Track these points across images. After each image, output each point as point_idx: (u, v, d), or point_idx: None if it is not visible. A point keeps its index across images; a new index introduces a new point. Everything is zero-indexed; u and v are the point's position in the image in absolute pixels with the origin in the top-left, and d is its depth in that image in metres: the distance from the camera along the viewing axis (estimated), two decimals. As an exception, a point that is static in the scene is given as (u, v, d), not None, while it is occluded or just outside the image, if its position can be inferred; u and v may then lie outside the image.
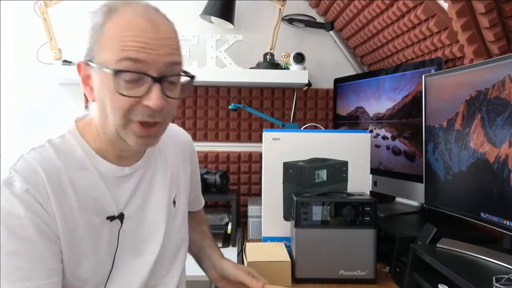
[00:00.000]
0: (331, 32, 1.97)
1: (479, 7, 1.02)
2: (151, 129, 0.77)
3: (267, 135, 1.36)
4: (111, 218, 0.81)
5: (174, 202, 0.95)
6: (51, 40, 1.76)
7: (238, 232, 1.73)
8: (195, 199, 1.15)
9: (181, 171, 0.99)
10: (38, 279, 0.70)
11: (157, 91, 0.73)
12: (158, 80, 0.73)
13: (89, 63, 0.74)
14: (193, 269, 1.42)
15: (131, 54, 0.71)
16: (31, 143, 0.77)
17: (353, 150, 1.35)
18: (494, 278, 0.80)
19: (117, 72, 0.71)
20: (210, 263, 1.06)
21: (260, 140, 1.42)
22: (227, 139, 2.01)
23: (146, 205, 0.88)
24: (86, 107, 0.86)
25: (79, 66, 0.76)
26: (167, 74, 0.74)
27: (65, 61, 1.80)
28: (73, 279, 0.77)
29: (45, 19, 1.74)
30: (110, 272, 0.82)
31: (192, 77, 0.79)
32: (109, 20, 0.73)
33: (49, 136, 0.79)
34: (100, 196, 0.80)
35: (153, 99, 0.72)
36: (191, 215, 1.12)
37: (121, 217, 0.83)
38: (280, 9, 1.82)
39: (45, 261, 0.71)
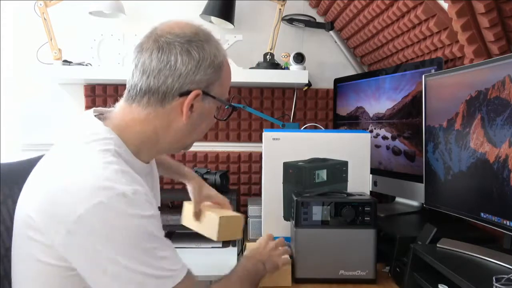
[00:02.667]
0: (331, 32, 1.97)
1: (479, 7, 1.02)
2: None
3: (267, 135, 1.36)
4: None
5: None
6: (51, 40, 1.76)
7: (238, 232, 1.72)
8: None
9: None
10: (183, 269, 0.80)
11: None
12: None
13: (208, 94, 0.84)
14: (194, 270, 1.42)
15: (227, 95, 0.92)
16: (99, 153, 0.77)
17: (353, 150, 1.35)
18: (494, 278, 0.80)
19: (226, 105, 0.90)
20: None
21: (260, 140, 1.42)
22: (227, 139, 2.01)
23: (157, 196, 0.99)
24: (101, 106, 0.89)
25: (198, 95, 0.82)
26: None
27: (65, 61, 1.80)
28: None
29: (45, 19, 1.74)
30: None
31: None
32: (225, 62, 0.87)
33: (105, 145, 0.79)
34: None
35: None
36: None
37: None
38: (280, 9, 1.82)
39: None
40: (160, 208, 0.90)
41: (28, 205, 0.76)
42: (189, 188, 1.17)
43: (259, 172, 1.89)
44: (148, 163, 0.90)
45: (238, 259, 1.58)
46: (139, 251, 0.72)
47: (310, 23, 1.97)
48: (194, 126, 0.87)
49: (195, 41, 0.82)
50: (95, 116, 0.85)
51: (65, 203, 0.71)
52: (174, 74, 0.80)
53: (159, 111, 0.82)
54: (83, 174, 0.73)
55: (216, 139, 2.00)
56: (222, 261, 1.58)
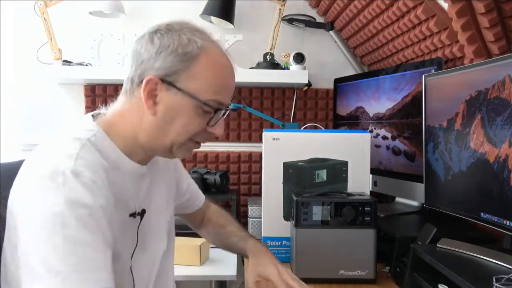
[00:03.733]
0: (331, 32, 1.97)
1: (479, 7, 1.02)
2: (199, 146, 0.88)
3: (267, 135, 1.36)
4: (133, 215, 0.84)
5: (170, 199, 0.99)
6: (51, 40, 1.76)
7: (238, 232, 1.72)
8: (192, 198, 1.16)
9: (167, 170, 1.02)
10: (104, 271, 0.68)
11: (223, 121, 0.86)
12: (225, 112, 0.85)
13: (170, 84, 0.78)
14: (194, 269, 1.42)
15: (222, 98, 0.81)
16: (68, 140, 0.76)
17: (353, 150, 1.35)
18: (494, 278, 0.80)
19: (205, 105, 0.79)
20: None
21: (260, 140, 1.42)
22: (227, 139, 2.01)
23: (155, 201, 0.92)
24: (99, 107, 0.88)
25: (150, 80, 0.77)
26: (229, 107, 0.86)
27: (65, 61, 1.80)
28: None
29: (45, 19, 1.74)
30: (131, 270, 0.83)
31: (230, 104, 0.89)
32: (204, 54, 0.79)
33: (83, 134, 0.78)
34: (127, 193, 0.82)
35: (220, 128, 0.86)
36: (209, 221, 1.20)
37: (142, 213, 0.86)
38: (280, 9, 1.82)
39: (107, 253, 0.71)
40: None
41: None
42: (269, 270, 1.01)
43: (259, 172, 1.89)
44: (145, 165, 0.87)
45: (238, 259, 1.58)
46: (51, 237, 0.66)
47: (310, 23, 1.97)
48: (166, 122, 0.80)
49: (161, 30, 0.79)
50: (93, 115, 0.86)
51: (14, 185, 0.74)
52: (137, 61, 0.79)
53: (133, 102, 0.81)
54: (40, 159, 0.74)
55: (216, 139, 1.99)
56: (222, 261, 1.58)
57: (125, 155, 0.82)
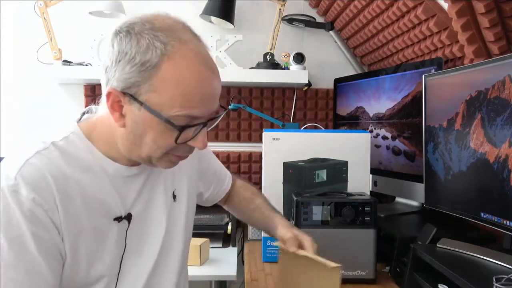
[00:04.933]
0: (331, 32, 1.97)
1: (479, 7, 1.02)
2: (185, 157, 0.80)
3: (267, 135, 1.36)
4: (118, 219, 0.80)
5: (174, 196, 0.93)
6: (51, 40, 1.76)
7: (238, 232, 1.72)
8: (219, 184, 1.13)
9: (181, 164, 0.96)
10: None
11: (204, 133, 0.76)
12: (206, 124, 0.74)
13: (131, 97, 0.70)
14: (194, 269, 1.42)
15: (194, 112, 0.71)
16: (32, 145, 0.74)
17: (353, 150, 1.35)
18: (494, 278, 0.80)
19: (170, 123, 0.70)
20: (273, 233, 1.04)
21: (260, 140, 1.42)
22: (227, 139, 2.01)
23: (150, 203, 0.87)
24: (93, 105, 0.84)
25: (110, 93, 0.71)
26: (213, 116, 0.76)
27: (65, 61, 1.80)
28: (80, 284, 0.76)
29: (45, 19, 1.74)
30: (118, 275, 0.80)
31: (226, 109, 0.80)
32: (167, 61, 0.68)
33: (52, 138, 0.76)
34: (107, 197, 0.78)
35: (201, 141, 0.75)
36: (236, 195, 1.16)
37: (128, 217, 0.82)
38: (280, 9, 1.82)
39: (42, 276, 0.68)
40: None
41: None
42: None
43: (259, 172, 1.89)
44: (134, 165, 0.82)
45: (238, 259, 1.58)
46: None
47: (310, 23, 1.97)
48: (136, 136, 0.73)
49: (121, 32, 0.71)
50: (84, 112, 0.83)
51: None
52: (103, 68, 0.73)
53: (108, 110, 0.75)
54: (1, 165, 0.71)
55: (216, 139, 2.00)
56: (222, 261, 1.58)
57: (108, 158, 0.78)
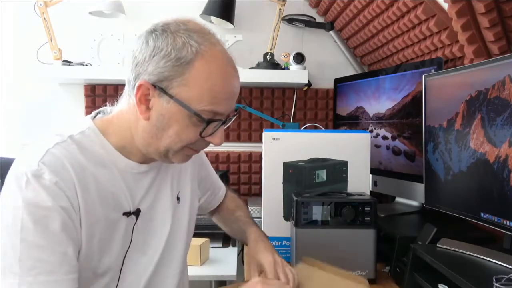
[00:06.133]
0: (331, 32, 1.97)
1: (479, 7, 1.02)
2: (198, 151, 0.85)
3: (267, 135, 1.36)
4: (127, 214, 0.83)
5: (178, 198, 0.96)
6: (51, 40, 1.76)
7: (238, 232, 1.72)
8: (214, 193, 1.17)
9: (182, 169, 0.99)
10: (59, 274, 0.70)
11: (222, 130, 0.82)
12: (225, 121, 0.80)
13: (162, 90, 0.75)
14: (194, 269, 1.42)
15: (218, 108, 0.77)
16: (50, 138, 0.77)
17: (353, 150, 1.35)
18: (494, 278, 0.80)
19: (196, 115, 0.75)
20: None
21: (260, 140, 1.42)
22: (227, 139, 2.01)
23: (157, 202, 0.90)
24: (101, 106, 0.88)
25: (141, 86, 0.75)
26: (232, 114, 0.83)
27: (65, 61, 1.80)
28: (89, 274, 0.78)
29: (45, 19, 1.74)
30: (120, 270, 0.82)
31: (238, 108, 0.85)
32: (200, 59, 0.74)
33: (68, 131, 0.79)
34: (118, 191, 0.81)
35: (219, 138, 0.81)
36: (222, 206, 1.20)
37: (137, 212, 0.85)
38: (280, 9, 1.82)
39: (66, 256, 0.71)
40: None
41: None
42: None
43: (259, 172, 1.89)
44: (147, 163, 0.86)
45: (238, 259, 1.58)
46: (11, 239, 0.68)
47: (310, 23, 1.97)
48: (159, 129, 0.77)
49: (157, 30, 0.76)
50: (98, 112, 0.86)
51: None
52: (133, 63, 0.77)
53: (130, 104, 0.80)
54: (20, 158, 0.75)
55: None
56: (222, 261, 1.58)
57: (121, 153, 0.82)
